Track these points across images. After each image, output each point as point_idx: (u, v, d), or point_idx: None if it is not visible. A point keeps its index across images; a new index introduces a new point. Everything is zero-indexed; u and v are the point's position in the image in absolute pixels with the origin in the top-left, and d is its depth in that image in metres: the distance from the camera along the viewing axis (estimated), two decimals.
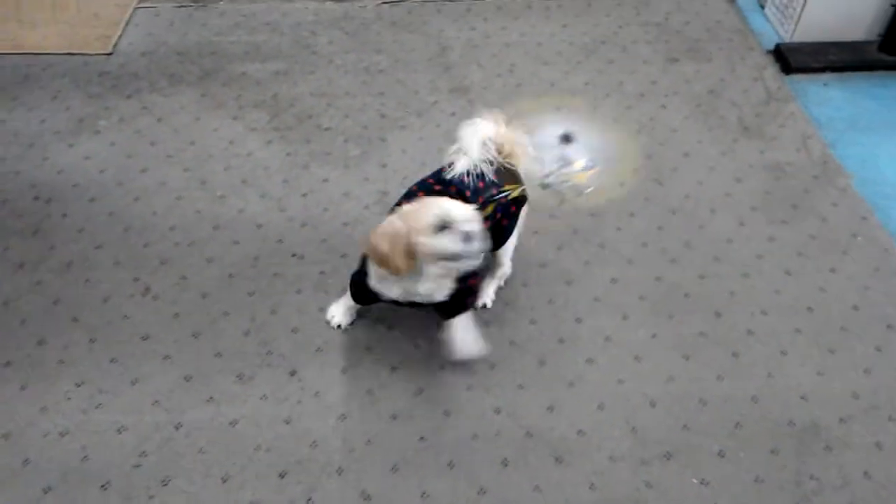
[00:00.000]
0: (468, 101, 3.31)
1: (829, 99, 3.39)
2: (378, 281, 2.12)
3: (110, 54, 3.55)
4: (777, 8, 3.77)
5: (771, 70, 3.51)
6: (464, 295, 2.13)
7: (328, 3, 3.95)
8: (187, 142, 3.09)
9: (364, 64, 3.54)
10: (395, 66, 3.53)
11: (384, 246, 1.93)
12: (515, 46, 3.65)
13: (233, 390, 2.24)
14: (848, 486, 2.03)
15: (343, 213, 2.78)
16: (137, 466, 2.07)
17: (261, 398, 2.22)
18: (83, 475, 2.05)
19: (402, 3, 3.95)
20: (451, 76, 3.47)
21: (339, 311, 2.41)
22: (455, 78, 3.46)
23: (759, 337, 2.40)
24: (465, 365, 2.30)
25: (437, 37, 3.72)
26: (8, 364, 2.29)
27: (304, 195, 2.87)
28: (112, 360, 2.31)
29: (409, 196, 2.15)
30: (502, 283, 2.50)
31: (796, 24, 3.59)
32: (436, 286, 2.06)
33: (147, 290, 2.52)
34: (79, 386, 2.25)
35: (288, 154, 3.05)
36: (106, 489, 2.02)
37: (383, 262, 1.97)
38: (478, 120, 2.22)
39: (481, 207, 2.07)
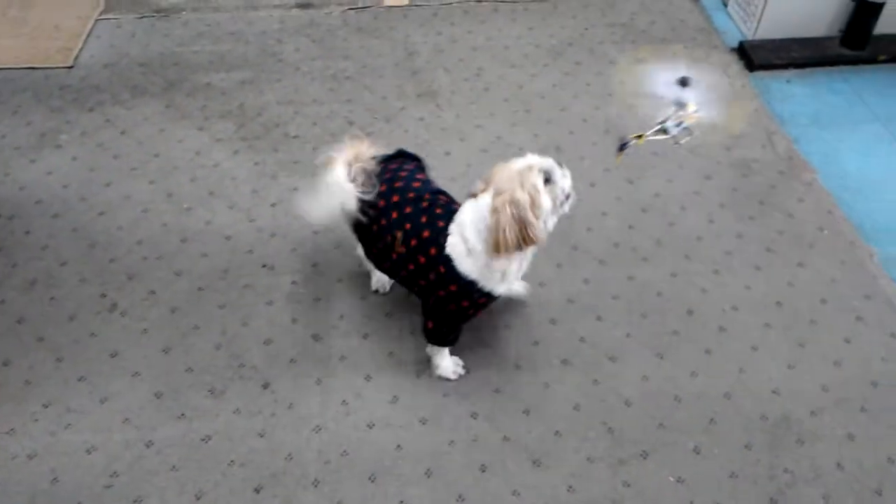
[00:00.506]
0: (436, 106, 3.31)
1: (793, 95, 3.44)
2: (489, 279, 2.02)
3: (71, 67, 3.50)
4: (739, 6, 3.82)
5: (735, 67, 3.55)
6: None
7: (294, 10, 3.93)
8: (152, 154, 3.04)
9: (331, 71, 3.52)
10: (363, 72, 3.51)
11: (511, 230, 1.85)
12: (482, 50, 3.66)
13: (205, 405, 2.21)
14: (820, 478, 2.06)
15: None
16: (109, 487, 2.03)
17: (234, 412, 2.19)
18: (53, 498, 2.00)
19: (367, 8, 3.94)
20: (418, 81, 3.46)
21: (449, 363, 2.29)
22: (422, 83, 3.45)
23: (731, 333, 2.42)
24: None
25: (404, 42, 3.71)
26: None
27: (274, 205, 2.85)
28: (80, 379, 2.27)
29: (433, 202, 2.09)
30: None
31: (758, 22, 3.63)
32: (525, 265, 2.08)
33: (114, 306, 2.47)
34: (46, 407, 2.20)
35: (256, 164, 3.02)
36: None
37: (514, 245, 1.87)
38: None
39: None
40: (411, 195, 2.10)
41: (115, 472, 2.05)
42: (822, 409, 2.22)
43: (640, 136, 2.78)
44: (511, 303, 2.49)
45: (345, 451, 2.11)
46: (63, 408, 2.20)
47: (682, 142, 2.93)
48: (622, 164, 3.02)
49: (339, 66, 3.55)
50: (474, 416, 2.20)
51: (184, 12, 3.88)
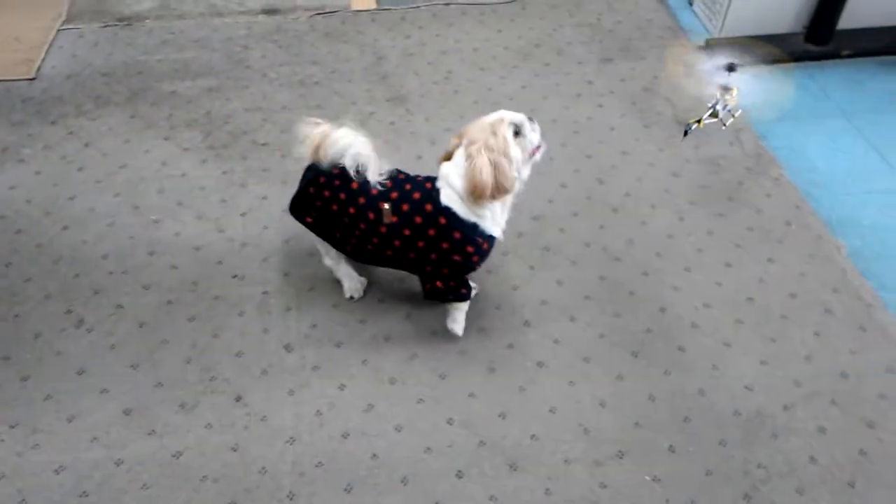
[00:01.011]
0: (406, 110, 3.29)
1: (759, 91, 3.46)
2: (485, 220, 2.13)
3: (33, 79, 3.43)
4: (705, 4, 3.85)
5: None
6: None
7: (260, 16, 3.89)
8: (117, 165, 3.00)
9: (299, 77, 3.49)
10: (331, 77, 3.49)
11: (487, 172, 1.98)
12: (451, 53, 3.65)
13: (175, 421, 2.17)
14: (794, 472, 2.07)
15: (284, 231, 2.73)
16: None
17: (205, 427, 2.16)
18: None
19: (335, 13, 3.92)
20: (387, 85, 3.44)
21: (463, 319, 2.38)
22: (392, 87, 3.44)
23: (703, 330, 2.43)
24: (415, 377, 2.28)
25: (373, 46, 3.69)
26: None
27: (243, 214, 2.81)
28: (47, 398, 2.22)
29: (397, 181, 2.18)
30: None
31: (724, 20, 3.67)
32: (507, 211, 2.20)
33: (81, 322, 2.43)
34: (13, 427, 2.15)
35: (224, 172, 2.98)
36: None
37: (491, 189, 2.00)
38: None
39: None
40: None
41: (84, 492, 2.01)
42: (794, 403, 2.23)
43: (699, 121, 3.08)
44: (485, 306, 2.48)
45: (319, 463, 2.09)
46: (29, 428, 2.15)
47: (728, 123, 3.14)
48: (590, 165, 3.03)
49: (307, 71, 3.52)
50: (450, 421, 2.19)
51: (147, 20, 3.83)
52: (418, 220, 2.12)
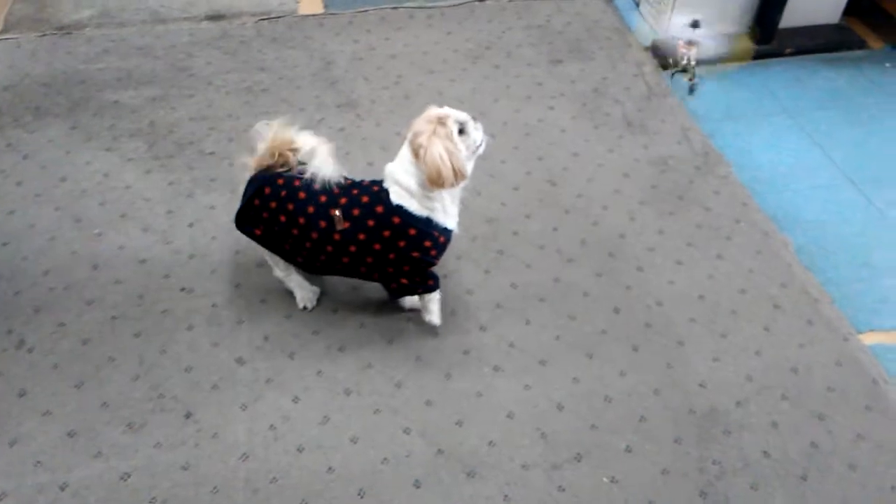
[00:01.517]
0: (356, 116, 3.26)
1: (705, 91, 3.52)
2: (437, 213, 2.13)
3: None
4: (650, 5, 3.90)
5: (650, 66, 3.62)
6: None
7: (204, 22, 3.82)
8: (57, 178, 2.90)
9: (246, 84, 3.42)
10: (279, 83, 3.43)
11: (444, 157, 1.98)
12: (400, 57, 3.63)
13: (123, 441, 2.10)
14: (748, 467, 2.10)
15: (234, 241, 2.66)
16: None
17: (154, 446, 2.10)
18: None
19: (281, 18, 3.86)
20: (337, 91, 3.41)
21: (437, 306, 2.36)
22: (341, 93, 3.40)
23: (657, 329, 2.45)
24: (370, 387, 2.25)
25: (321, 51, 3.65)
26: None
27: (191, 225, 2.74)
28: None
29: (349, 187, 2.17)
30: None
31: (669, 21, 3.71)
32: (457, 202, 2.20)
33: (21, 342, 2.34)
34: None
35: (170, 183, 2.91)
36: None
37: (448, 176, 1.99)
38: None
39: None
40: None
41: None
42: (746, 399, 2.26)
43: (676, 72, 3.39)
44: (441, 312, 2.46)
45: (274, 478, 2.04)
46: None
47: (695, 80, 3.35)
48: (542, 167, 3.03)
49: (255, 78, 3.46)
50: (407, 431, 2.16)
51: (87, 28, 3.72)
52: (371, 222, 2.10)
